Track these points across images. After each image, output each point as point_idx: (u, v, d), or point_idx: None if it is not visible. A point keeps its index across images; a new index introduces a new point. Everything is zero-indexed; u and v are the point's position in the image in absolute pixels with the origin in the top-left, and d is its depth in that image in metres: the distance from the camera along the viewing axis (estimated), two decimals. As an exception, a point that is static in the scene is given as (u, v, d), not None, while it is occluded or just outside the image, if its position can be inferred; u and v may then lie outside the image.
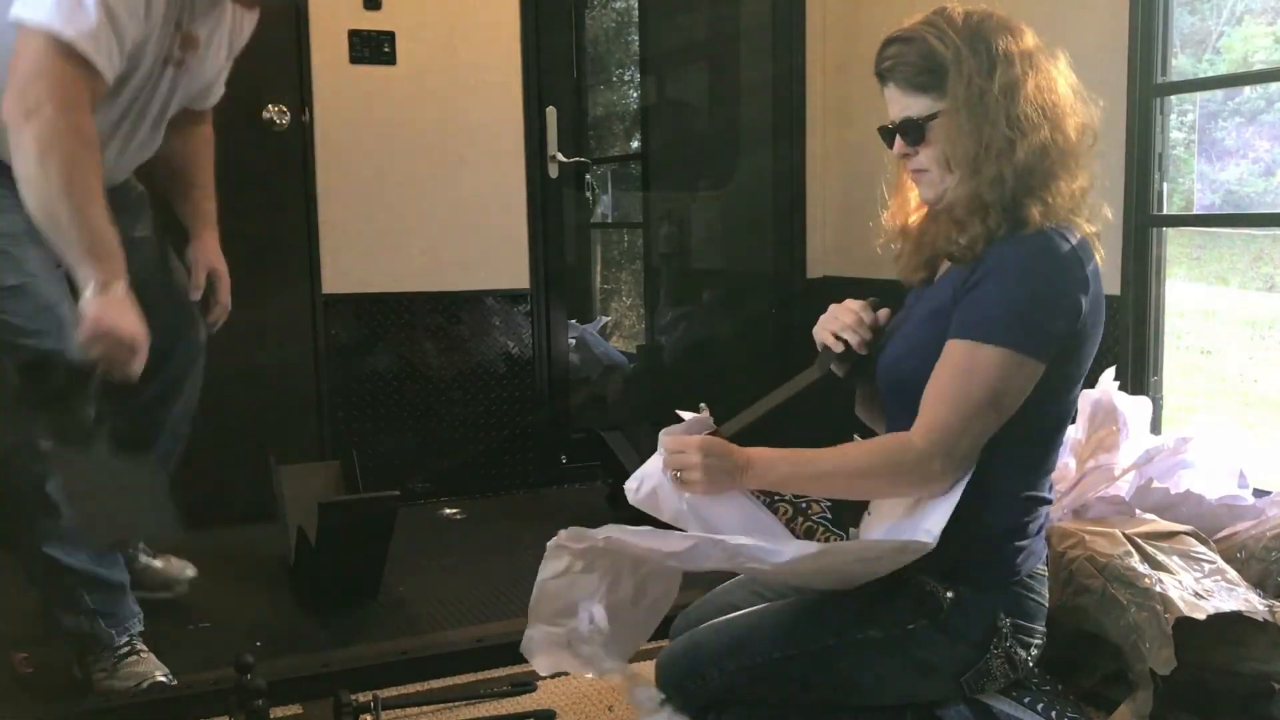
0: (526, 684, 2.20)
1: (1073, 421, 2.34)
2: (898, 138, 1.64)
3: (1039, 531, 1.67)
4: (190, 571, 2.63)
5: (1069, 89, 1.62)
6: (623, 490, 1.66)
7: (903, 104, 1.62)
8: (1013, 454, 1.61)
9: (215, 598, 2.61)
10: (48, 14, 1.82)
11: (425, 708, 2.12)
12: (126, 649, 2.18)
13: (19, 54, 1.84)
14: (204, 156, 2.46)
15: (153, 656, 2.20)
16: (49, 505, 2.01)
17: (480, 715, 2.09)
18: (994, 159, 1.56)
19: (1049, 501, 1.68)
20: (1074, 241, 1.57)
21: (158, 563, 2.62)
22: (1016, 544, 1.63)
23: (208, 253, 2.42)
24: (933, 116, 1.59)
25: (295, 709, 2.11)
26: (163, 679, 2.16)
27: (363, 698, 2.03)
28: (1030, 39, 1.61)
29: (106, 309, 1.87)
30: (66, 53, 1.83)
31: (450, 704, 2.13)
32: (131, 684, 2.15)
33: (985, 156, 1.57)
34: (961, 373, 1.53)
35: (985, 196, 1.58)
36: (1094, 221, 1.62)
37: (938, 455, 1.51)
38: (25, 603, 2.61)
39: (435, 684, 2.22)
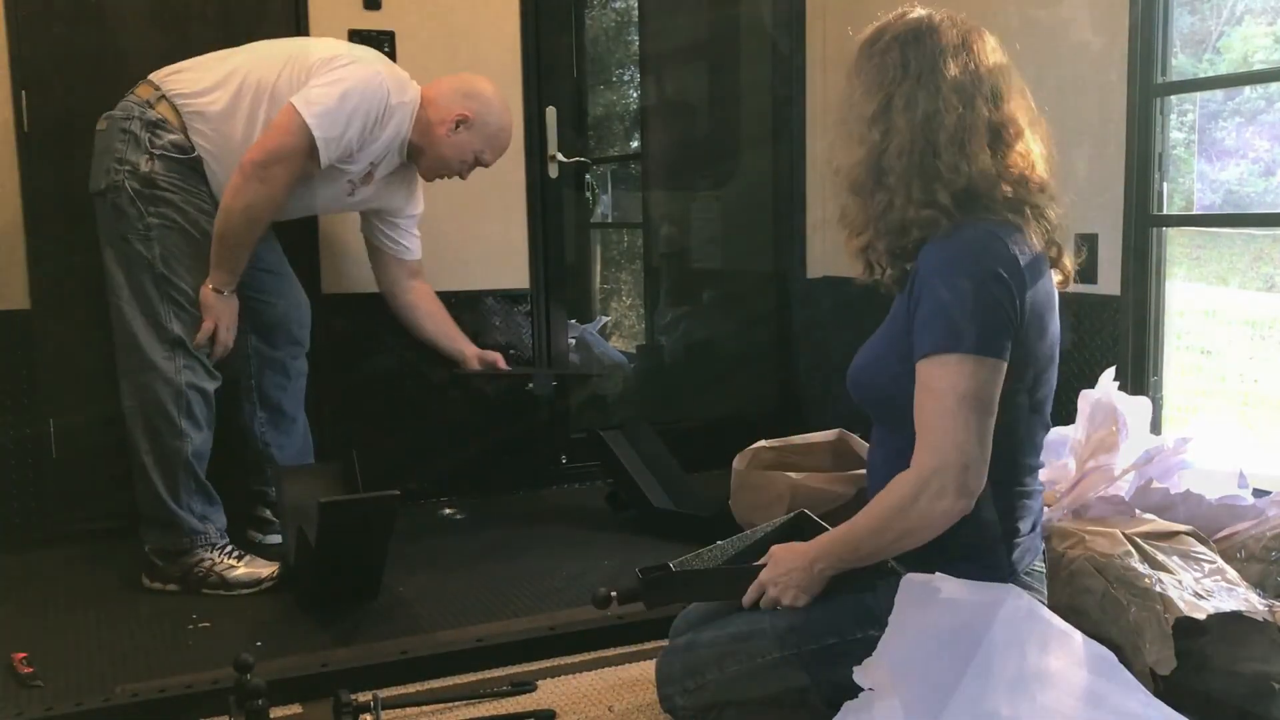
0: (526, 684, 2.20)
1: (1072, 422, 2.35)
2: None
3: (1033, 529, 1.66)
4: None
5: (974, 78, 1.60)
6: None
7: None
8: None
9: (215, 597, 2.61)
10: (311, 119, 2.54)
11: (425, 708, 2.12)
12: (236, 551, 2.70)
13: (277, 125, 2.53)
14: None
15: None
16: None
17: (480, 715, 2.09)
18: (867, 170, 1.62)
19: (1038, 493, 1.68)
20: (1001, 234, 1.55)
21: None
22: (1011, 540, 1.63)
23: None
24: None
25: (295, 709, 2.11)
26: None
27: (363, 698, 2.03)
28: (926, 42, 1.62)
29: (227, 305, 2.66)
30: (309, 142, 2.54)
31: (450, 704, 2.13)
32: (264, 572, 2.66)
33: (855, 170, 1.64)
34: (930, 392, 1.53)
35: (867, 211, 1.64)
36: (1018, 213, 1.59)
37: (937, 472, 1.51)
38: (25, 602, 2.62)
39: (435, 684, 2.22)
